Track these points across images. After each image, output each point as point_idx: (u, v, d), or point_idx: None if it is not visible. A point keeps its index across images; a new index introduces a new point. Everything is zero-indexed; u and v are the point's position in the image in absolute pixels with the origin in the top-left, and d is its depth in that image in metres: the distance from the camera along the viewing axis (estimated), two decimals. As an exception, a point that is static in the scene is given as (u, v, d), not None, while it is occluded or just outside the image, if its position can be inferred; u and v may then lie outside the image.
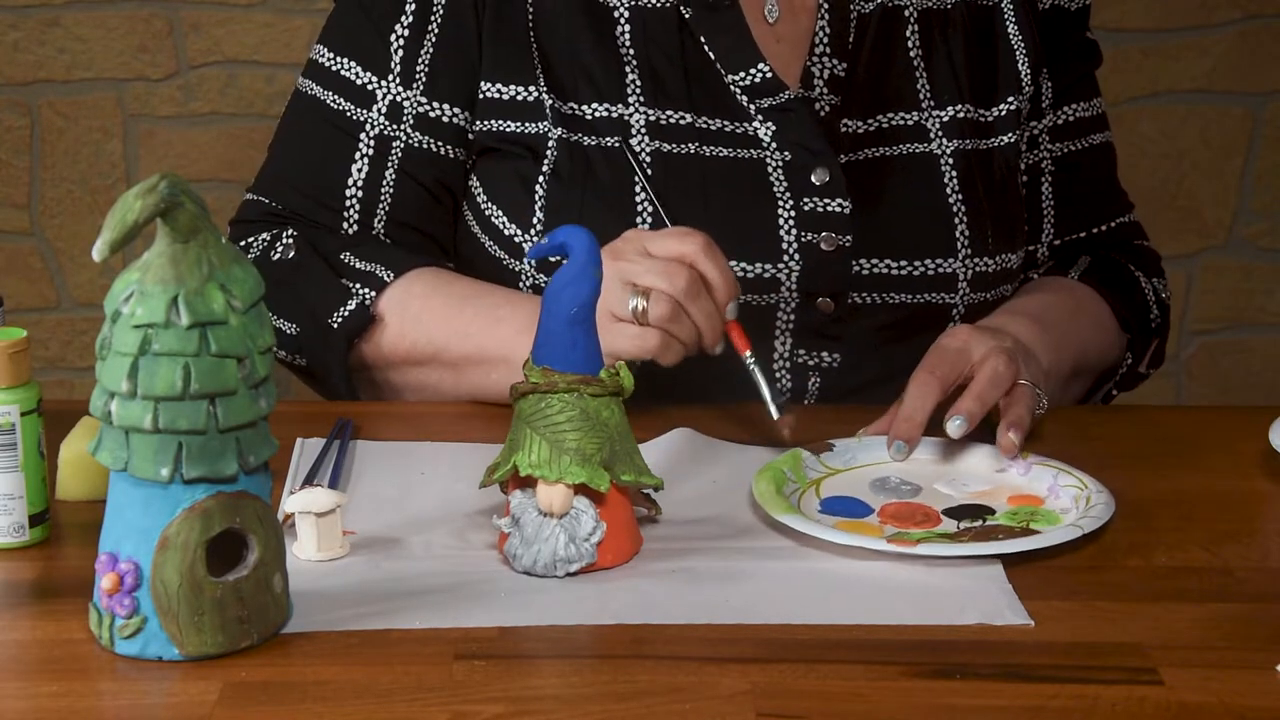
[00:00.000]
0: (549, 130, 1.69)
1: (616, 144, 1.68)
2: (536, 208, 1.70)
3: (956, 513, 1.44)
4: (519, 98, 1.70)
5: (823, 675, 1.22)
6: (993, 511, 1.45)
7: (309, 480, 1.47)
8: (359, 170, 1.73)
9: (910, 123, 1.73)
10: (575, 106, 1.69)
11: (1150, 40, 3.15)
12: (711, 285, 1.53)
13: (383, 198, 1.73)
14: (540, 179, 1.69)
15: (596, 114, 1.69)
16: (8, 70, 3.07)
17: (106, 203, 3.03)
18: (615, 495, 1.36)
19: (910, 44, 1.75)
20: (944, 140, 1.73)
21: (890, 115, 1.73)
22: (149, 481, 1.21)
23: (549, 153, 1.69)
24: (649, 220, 1.66)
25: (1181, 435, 1.62)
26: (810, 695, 1.19)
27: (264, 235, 1.74)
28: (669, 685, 1.20)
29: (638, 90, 1.69)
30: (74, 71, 3.07)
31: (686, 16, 1.70)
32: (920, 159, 1.72)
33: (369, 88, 1.73)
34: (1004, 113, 1.77)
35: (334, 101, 1.74)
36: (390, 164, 1.73)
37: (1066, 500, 1.45)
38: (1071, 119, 1.82)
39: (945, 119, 1.74)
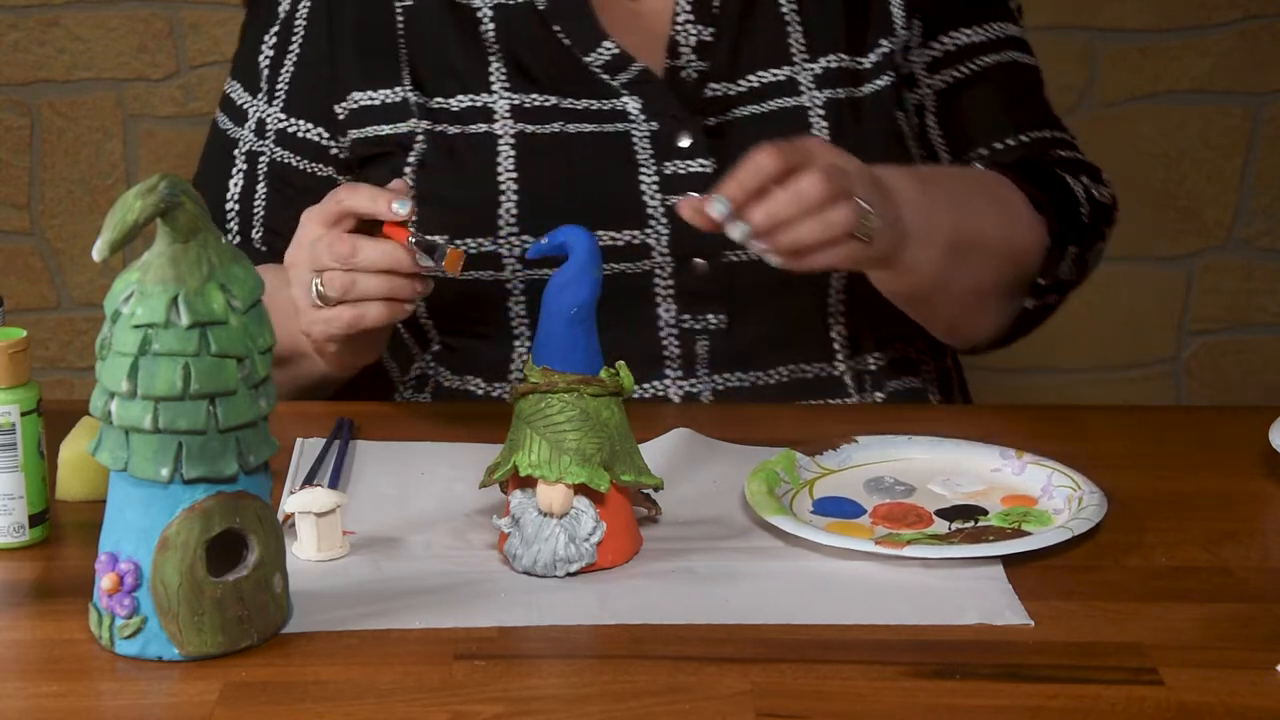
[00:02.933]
0: (416, 125, 1.73)
1: (481, 130, 1.72)
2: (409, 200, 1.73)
3: (949, 514, 1.44)
4: (386, 100, 1.75)
5: (823, 675, 1.22)
6: (985, 512, 1.45)
7: (309, 480, 1.47)
8: (235, 184, 1.80)
9: (781, 78, 1.74)
10: (442, 100, 1.73)
11: (1150, 40, 3.15)
12: (369, 214, 1.52)
13: (256, 210, 1.79)
14: (406, 170, 1.74)
15: (461, 104, 1.73)
16: (8, 70, 3.07)
17: (106, 203, 3.03)
18: (615, 495, 1.36)
19: (782, 0, 1.76)
20: (815, 92, 1.73)
21: (760, 73, 1.74)
22: (149, 481, 1.21)
23: (416, 146, 1.74)
24: (515, 203, 1.69)
25: (1181, 435, 1.62)
26: (810, 695, 1.19)
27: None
28: (669, 685, 1.20)
29: (502, 78, 1.73)
30: (74, 71, 3.07)
31: (540, 8, 1.74)
32: (790, 113, 1.73)
33: (244, 106, 1.80)
34: (878, 58, 1.76)
35: (223, 122, 1.83)
36: (260, 178, 1.79)
37: (1060, 501, 1.45)
38: (951, 48, 1.79)
39: (818, 70, 1.74)
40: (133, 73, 3.06)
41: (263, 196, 1.79)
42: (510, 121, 1.72)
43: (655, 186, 1.71)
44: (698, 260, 1.71)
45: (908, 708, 1.18)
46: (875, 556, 1.36)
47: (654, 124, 1.72)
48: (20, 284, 3.12)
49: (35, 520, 1.39)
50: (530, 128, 1.72)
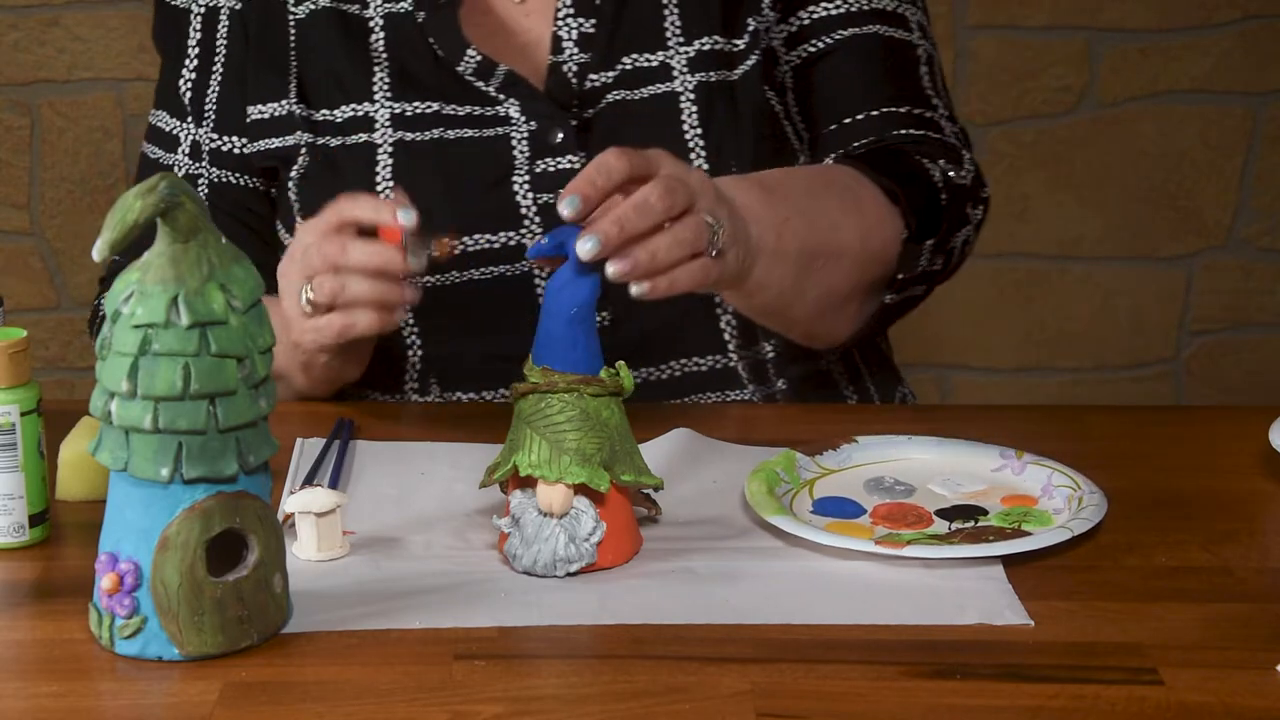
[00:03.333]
0: (300, 139, 1.74)
1: (360, 140, 1.73)
2: (295, 212, 1.76)
3: (949, 514, 1.44)
4: (274, 114, 1.76)
5: (823, 675, 1.22)
6: (985, 512, 1.45)
7: (308, 480, 1.47)
8: None
9: (655, 64, 1.73)
10: (327, 112, 1.74)
11: (1150, 40, 3.15)
12: (372, 223, 1.51)
13: None
14: (290, 184, 1.75)
15: (344, 115, 1.74)
16: (8, 70, 3.07)
17: (106, 203, 3.03)
18: (615, 495, 1.36)
19: None
20: (687, 76, 1.73)
21: (634, 59, 1.74)
22: (149, 481, 1.21)
23: (300, 159, 1.75)
24: None
25: (1181, 435, 1.62)
26: (810, 695, 1.19)
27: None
28: (669, 685, 1.20)
29: (385, 87, 1.74)
30: (74, 71, 3.07)
31: (419, 21, 1.75)
32: (661, 99, 1.73)
33: (173, 132, 1.81)
34: (748, 38, 1.74)
35: (152, 152, 1.83)
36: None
37: (1060, 501, 1.45)
38: (807, 22, 1.76)
39: (692, 54, 1.73)
40: (133, 73, 3.06)
41: None
42: (390, 130, 1.72)
43: (528, 186, 1.71)
44: None
45: (908, 708, 1.18)
46: (875, 556, 1.36)
47: (533, 123, 1.72)
48: (20, 284, 3.12)
49: (35, 520, 1.39)
50: (409, 135, 1.72)
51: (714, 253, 1.42)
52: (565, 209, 1.36)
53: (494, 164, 1.72)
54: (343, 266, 1.50)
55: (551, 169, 1.71)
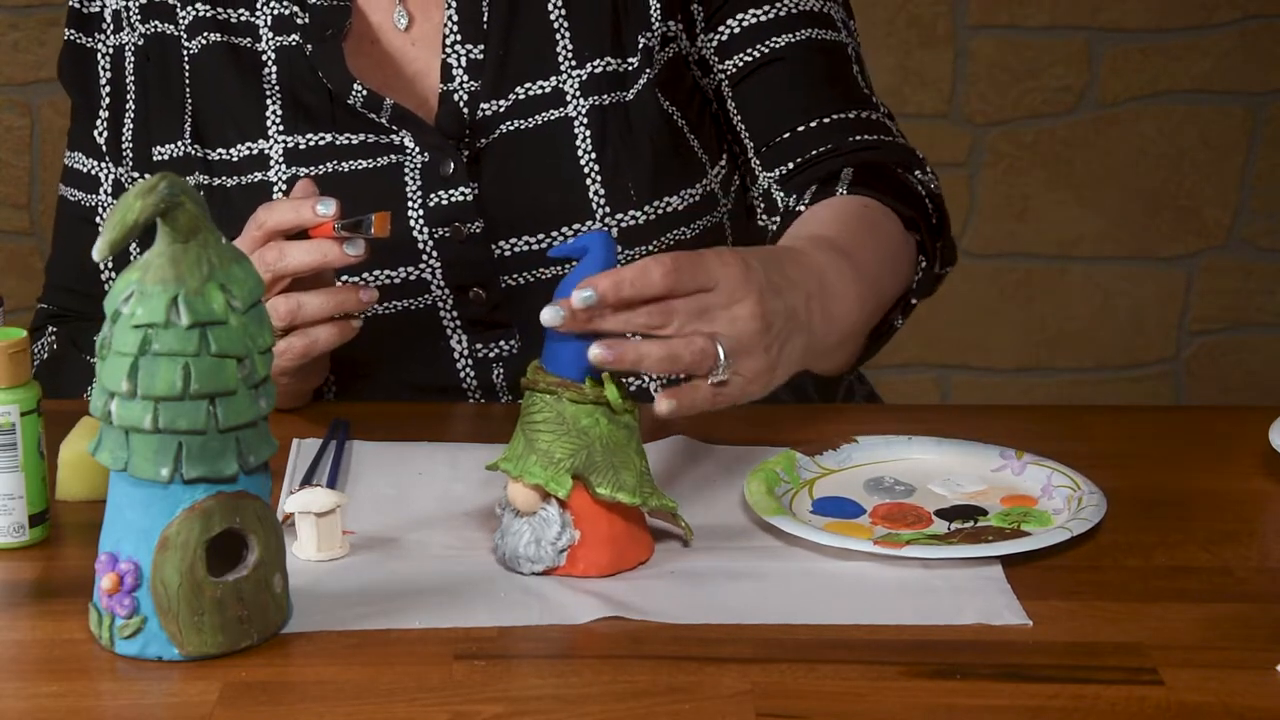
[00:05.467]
0: (198, 179, 1.72)
1: (256, 180, 1.70)
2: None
3: (948, 514, 1.44)
4: (173, 155, 1.73)
5: (823, 675, 1.22)
6: (985, 513, 1.45)
7: (306, 481, 1.47)
8: None
9: (547, 90, 1.71)
10: (223, 151, 1.72)
11: (1150, 40, 3.15)
12: (295, 226, 1.49)
13: None
14: None
15: (239, 155, 1.72)
16: (8, 70, 3.07)
17: (106, 203, 3.02)
18: (595, 507, 1.34)
19: (552, 7, 1.72)
20: (580, 100, 1.70)
21: (526, 86, 1.71)
22: (149, 481, 1.21)
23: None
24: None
25: (1181, 435, 1.62)
26: (810, 695, 1.19)
27: (44, 340, 1.79)
28: (669, 685, 1.20)
29: (278, 121, 1.71)
30: (74, 71, 3.06)
31: (307, 53, 1.71)
32: (554, 126, 1.70)
33: (93, 173, 1.78)
34: (638, 56, 1.72)
35: (72, 195, 1.79)
36: (133, 241, 1.73)
37: (1059, 501, 1.45)
38: (738, 30, 1.73)
39: (584, 77, 1.71)
40: (133, 73, 3.06)
41: (136, 255, 1.74)
42: (284, 166, 1.70)
43: (422, 220, 1.69)
44: (476, 290, 1.69)
45: (908, 708, 1.18)
46: (874, 556, 1.36)
47: (426, 155, 1.69)
48: (20, 284, 3.12)
49: (35, 520, 1.39)
50: (303, 170, 1.70)
51: (714, 381, 1.35)
52: (579, 300, 1.29)
53: (389, 198, 1.68)
54: (284, 271, 1.48)
55: (445, 201, 1.68)
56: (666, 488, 1.45)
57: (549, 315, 1.30)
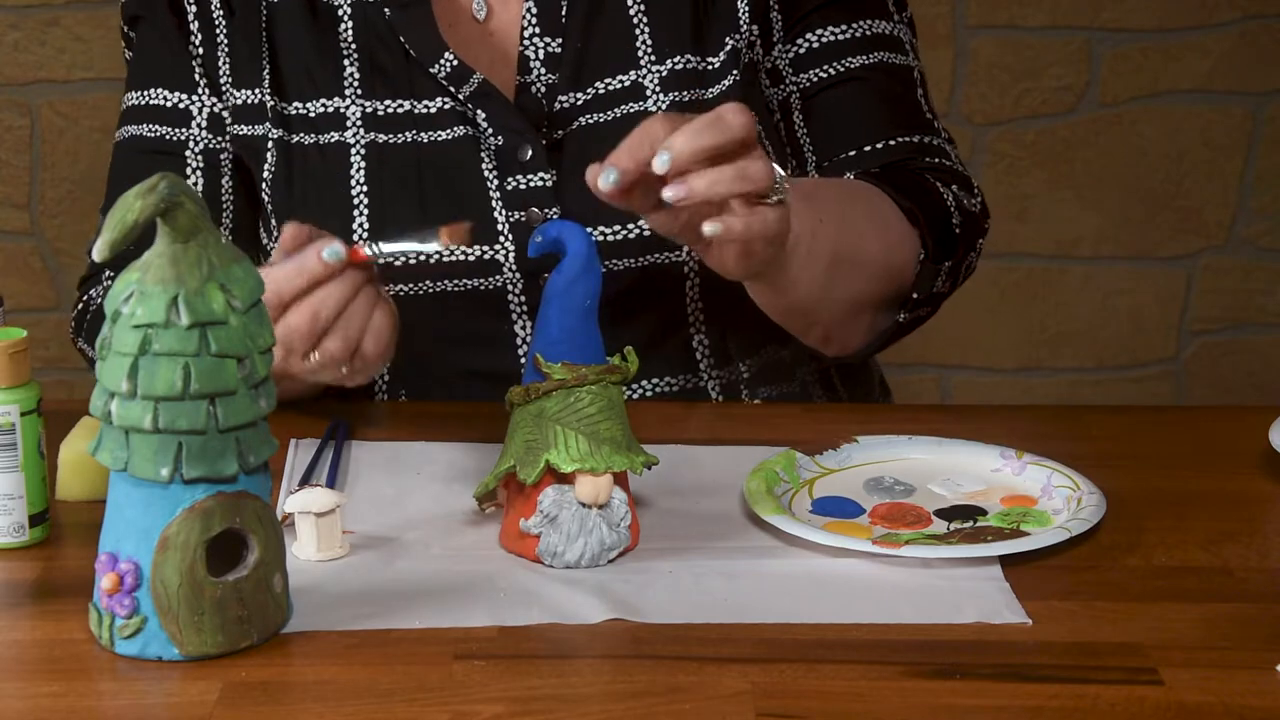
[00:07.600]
0: (269, 132, 1.71)
1: (333, 140, 1.70)
2: (269, 212, 1.73)
3: (948, 514, 1.44)
4: (249, 101, 1.73)
5: (823, 675, 1.22)
6: (984, 512, 1.45)
7: (305, 481, 1.47)
8: (194, 187, 1.72)
9: (626, 84, 1.72)
10: (300, 105, 1.72)
11: (1150, 40, 3.15)
12: (307, 287, 1.45)
13: (225, 209, 1.75)
14: (264, 184, 1.73)
15: (316, 110, 1.72)
16: (8, 70, 3.07)
17: (106, 203, 3.02)
18: (622, 476, 1.37)
19: (631, 2, 1.73)
20: (660, 95, 1.71)
21: (606, 80, 1.72)
22: (149, 481, 1.21)
23: (268, 156, 1.72)
24: (366, 214, 1.68)
25: (1181, 435, 1.62)
26: (810, 695, 1.19)
27: (98, 287, 1.79)
28: (669, 685, 1.20)
29: (355, 82, 1.71)
30: (74, 71, 3.07)
31: (386, 16, 1.72)
32: (634, 119, 1.67)
33: (182, 106, 1.75)
34: (725, 56, 1.73)
35: (151, 131, 1.76)
36: (224, 175, 1.75)
37: (1059, 501, 1.45)
38: (816, 45, 1.75)
39: (664, 73, 1.72)
40: (133, 73, 3.06)
41: (229, 195, 1.75)
42: (361, 130, 1.70)
43: (500, 202, 1.69)
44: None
45: (908, 708, 1.18)
46: (873, 556, 1.36)
47: (500, 138, 1.70)
48: (20, 284, 3.12)
49: (35, 520, 1.39)
50: (382, 137, 1.70)
51: (775, 199, 1.40)
52: (604, 181, 1.35)
53: (465, 175, 1.70)
54: (326, 323, 1.44)
55: (523, 186, 1.69)
56: (667, 487, 1.45)
57: (608, 179, 1.35)
